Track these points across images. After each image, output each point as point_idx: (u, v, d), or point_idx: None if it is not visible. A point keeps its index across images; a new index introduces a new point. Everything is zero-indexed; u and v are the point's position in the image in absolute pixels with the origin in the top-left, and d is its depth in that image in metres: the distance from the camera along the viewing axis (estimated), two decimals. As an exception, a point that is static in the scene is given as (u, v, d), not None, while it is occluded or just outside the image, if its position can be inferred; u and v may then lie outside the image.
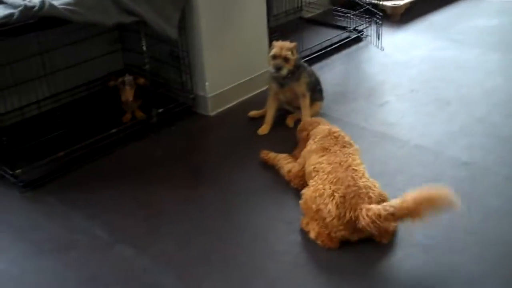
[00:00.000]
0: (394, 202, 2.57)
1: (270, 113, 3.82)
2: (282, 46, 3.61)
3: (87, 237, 2.90)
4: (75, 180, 3.37)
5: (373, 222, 2.57)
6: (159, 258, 2.74)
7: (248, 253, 2.76)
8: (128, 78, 3.79)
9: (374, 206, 2.61)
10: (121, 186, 3.31)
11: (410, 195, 2.52)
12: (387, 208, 2.55)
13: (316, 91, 3.88)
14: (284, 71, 3.61)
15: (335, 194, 2.69)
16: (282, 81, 3.71)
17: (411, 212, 2.51)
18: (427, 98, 4.13)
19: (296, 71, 3.69)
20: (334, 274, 2.60)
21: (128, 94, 3.78)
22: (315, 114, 3.85)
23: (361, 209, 2.62)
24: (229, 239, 2.85)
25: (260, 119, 3.88)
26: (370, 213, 2.57)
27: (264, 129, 3.80)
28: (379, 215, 2.55)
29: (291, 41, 3.67)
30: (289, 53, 3.59)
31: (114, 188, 3.29)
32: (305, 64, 3.87)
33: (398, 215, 2.54)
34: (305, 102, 3.77)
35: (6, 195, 3.27)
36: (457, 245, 2.72)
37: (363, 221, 2.59)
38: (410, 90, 4.25)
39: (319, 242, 2.73)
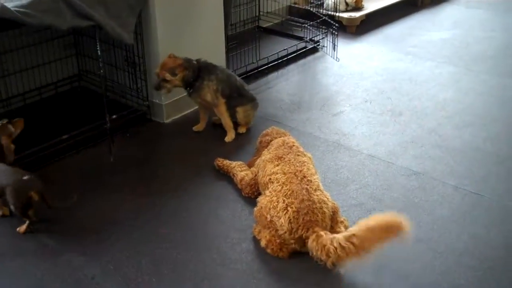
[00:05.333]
0: (344, 235, 2.53)
1: (201, 113, 3.88)
2: (163, 65, 3.60)
3: (35, 245, 2.84)
4: (24, 186, 3.29)
5: (321, 249, 2.57)
6: (108, 266, 2.70)
7: (200, 260, 2.74)
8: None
9: (325, 236, 2.58)
10: (71, 193, 3.24)
11: (362, 227, 2.50)
12: (338, 240, 2.52)
13: (234, 97, 3.78)
14: (164, 91, 3.67)
15: (289, 208, 2.70)
16: (187, 91, 3.72)
17: (362, 245, 2.48)
18: (380, 109, 4.20)
19: (196, 83, 3.66)
20: (285, 282, 2.61)
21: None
22: (246, 119, 3.84)
23: (313, 232, 2.62)
24: (181, 247, 2.83)
25: (218, 128, 3.89)
26: (319, 241, 2.58)
27: (198, 126, 3.88)
28: (326, 247, 2.54)
29: (176, 58, 3.61)
30: (168, 74, 3.57)
31: (64, 195, 3.21)
32: (218, 69, 3.75)
33: (349, 251, 2.50)
34: (218, 110, 3.76)
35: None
36: (407, 253, 2.76)
37: (310, 245, 2.61)
38: (364, 101, 4.32)
39: (269, 250, 2.74)
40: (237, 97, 3.79)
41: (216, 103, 3.72)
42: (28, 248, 2.82)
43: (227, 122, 3.78)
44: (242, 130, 3.87)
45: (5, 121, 3.22)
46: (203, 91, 3.67)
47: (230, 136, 3.78)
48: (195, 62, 3.68)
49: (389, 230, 2.47)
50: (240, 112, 3.81)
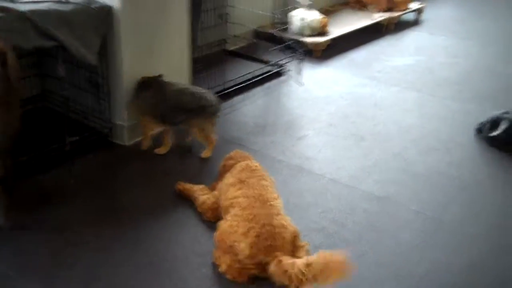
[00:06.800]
0: (303, 261, 2.53)
1: (164, 136, 3.89)
2: None
3: (-8, 274, 2.76)
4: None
5: (282, 274, 2.56)
6: (64, 292, 2.64)
7: (160, 286, 2.69)
8: None
9: (285, 261, 2.57)
10: (26, 216, 3.16)
11: (320, 258, 2.51)
12: (298, 266, 2.52)
13: (184, 114, 3.72)
14: None
15: (250, 233, 2.68)
16: None
17: (319, 275, 2.49)
18: (344, 133, 4.22)
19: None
20: (245, 308, 2.58)
21: None
22: (205, 133, 3.78)
23: (274, 256, 2.61)
24: (141, 272, 2.78)
25: (181, 151, 3.86)
26: (280, 265, 2.56)
27: (161, 149, 3.87)
28: (287, 272, 2.54)
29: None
30: None
31: (19, 219, 3.12)
32: (167, 88, 3.73)
33: (307, 277, 2.50)
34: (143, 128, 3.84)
35: None
36: (369, 277, 2.76)
37: (272, 270, 2.59)
38: (328, 125, 4.33)
39: (228, 276, 2.70)
40: (191, 114, 3.71)
41: (141, 119, 3.82)
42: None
43: (147, 133, 3.85)
44: (206, 154, 3.84)
45: None
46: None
47: (144, 144, 3.86)
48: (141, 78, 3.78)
49: (339, 270, 2.50)
50: (196, 130, 3.76)
